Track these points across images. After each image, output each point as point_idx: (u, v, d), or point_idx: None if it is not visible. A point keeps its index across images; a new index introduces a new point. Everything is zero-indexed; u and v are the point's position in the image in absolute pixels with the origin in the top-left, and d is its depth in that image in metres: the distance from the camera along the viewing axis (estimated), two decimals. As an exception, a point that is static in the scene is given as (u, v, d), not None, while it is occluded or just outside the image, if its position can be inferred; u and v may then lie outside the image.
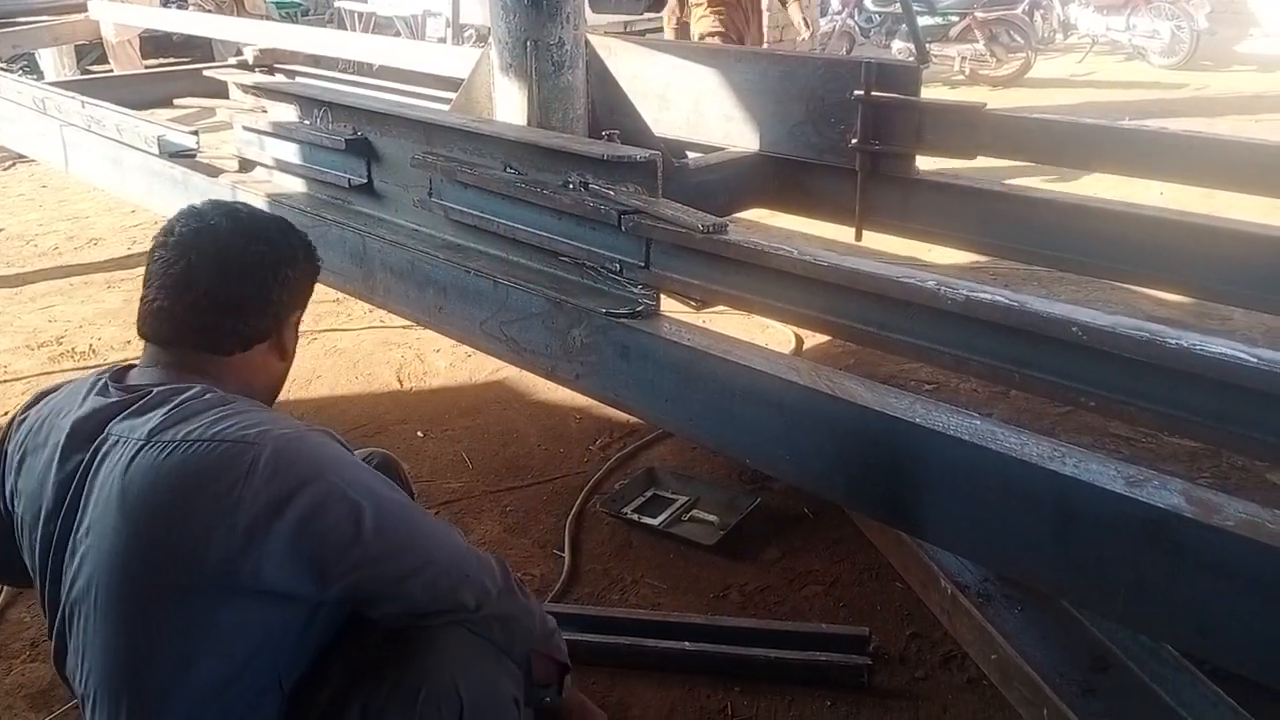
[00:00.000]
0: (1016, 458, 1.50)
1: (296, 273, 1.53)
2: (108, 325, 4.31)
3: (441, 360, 3.93)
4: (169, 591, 1.26)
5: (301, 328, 1.65)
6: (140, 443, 1.27)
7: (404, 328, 4.10)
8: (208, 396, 1.34)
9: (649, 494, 2.94)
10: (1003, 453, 1.52)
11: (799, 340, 3.92)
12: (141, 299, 1.47)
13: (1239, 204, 3.02)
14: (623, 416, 3.15)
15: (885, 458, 1.68)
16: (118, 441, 1.30)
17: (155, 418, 1.29)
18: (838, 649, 2.24)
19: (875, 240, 3.41)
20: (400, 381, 3.73)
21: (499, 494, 2.98)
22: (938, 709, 2.13)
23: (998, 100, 8.77)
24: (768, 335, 3.92)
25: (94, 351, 4.05)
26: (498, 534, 2.77)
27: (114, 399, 1.36)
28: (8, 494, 1.46)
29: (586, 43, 3.10)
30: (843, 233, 3.33)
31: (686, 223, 1.91)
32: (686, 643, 2.26)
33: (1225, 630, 1.32)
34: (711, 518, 2.79)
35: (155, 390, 1.35)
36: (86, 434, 1.33)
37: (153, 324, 1.45)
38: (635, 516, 2.81)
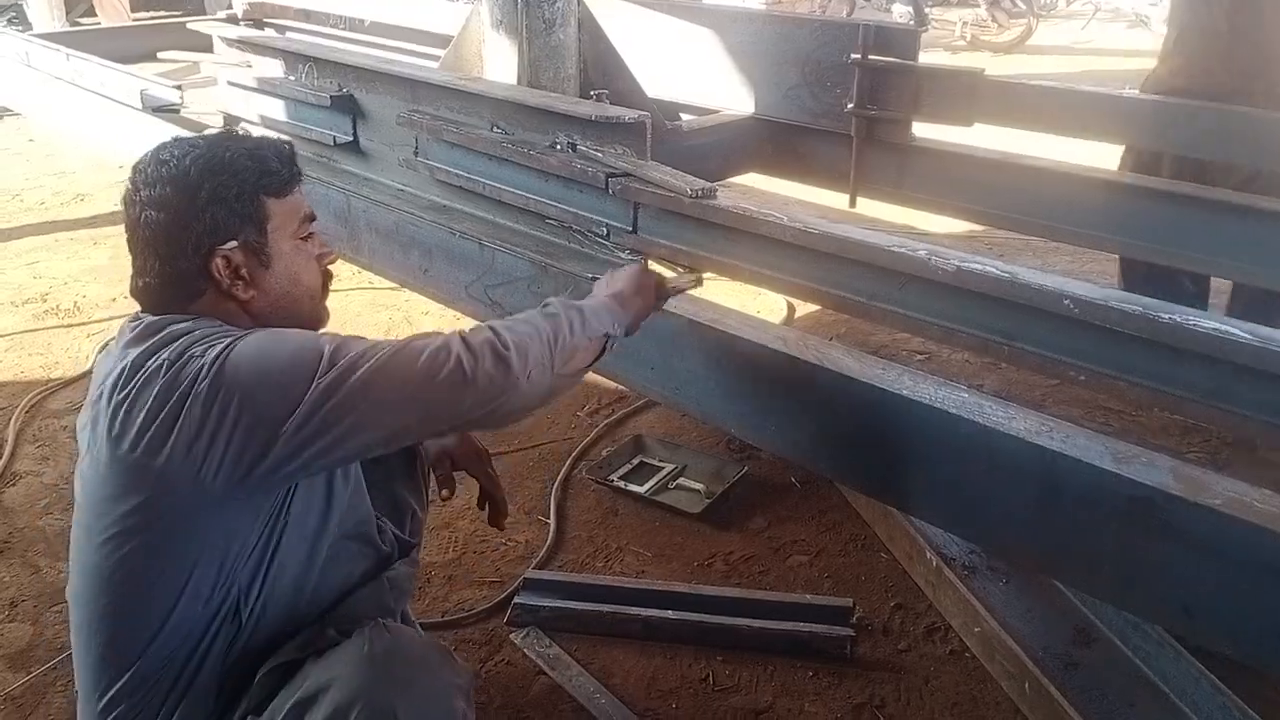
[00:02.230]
0: (1003, 431, 1.47)
1: (197, 201, 1.37)
2: (93, 282, 4.26)
3: (430, 323, 3.90)
4: (143, 502, 1.28)
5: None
6: (127, 367, 1.30)
7: (392, 289, 4.05)
8: (191, 323, 1.36)
9: (636, 461, 2.92)
10: (989, 426, 1.49)
11: (791, 308, 3.88)
12: None
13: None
14: (611, 383, 3.12)
15: (871, 430, 1.66)
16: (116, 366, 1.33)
17: (141, 344, 1.33)
18: (822, 620, 2.23)
19: (870, 207, 3.36)
20: (388, 343, 3.70)
21: (484, 459, 2.95)
22: (920, 681, 2.13)
23: (998, 67, 8.68)
24: (760, 303, 3.89)
25: (78, 309, 4.01)
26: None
27: (130, 332, 1.39)
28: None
29: (579, 0, 3.03)
30: (837, 199, 3.29)
31: (675, 187, 1.87)
32: (670, 611, 2.25)
33: (1211, 610, 1.31)
34: (698, 486, 2.78)
35: (151, 321, 1.38)
36: (106, 366, 1.38)
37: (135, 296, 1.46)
38: (621, 484, 2.79)
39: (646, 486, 2.77)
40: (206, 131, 1.47)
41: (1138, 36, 10.51)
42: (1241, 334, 1.24)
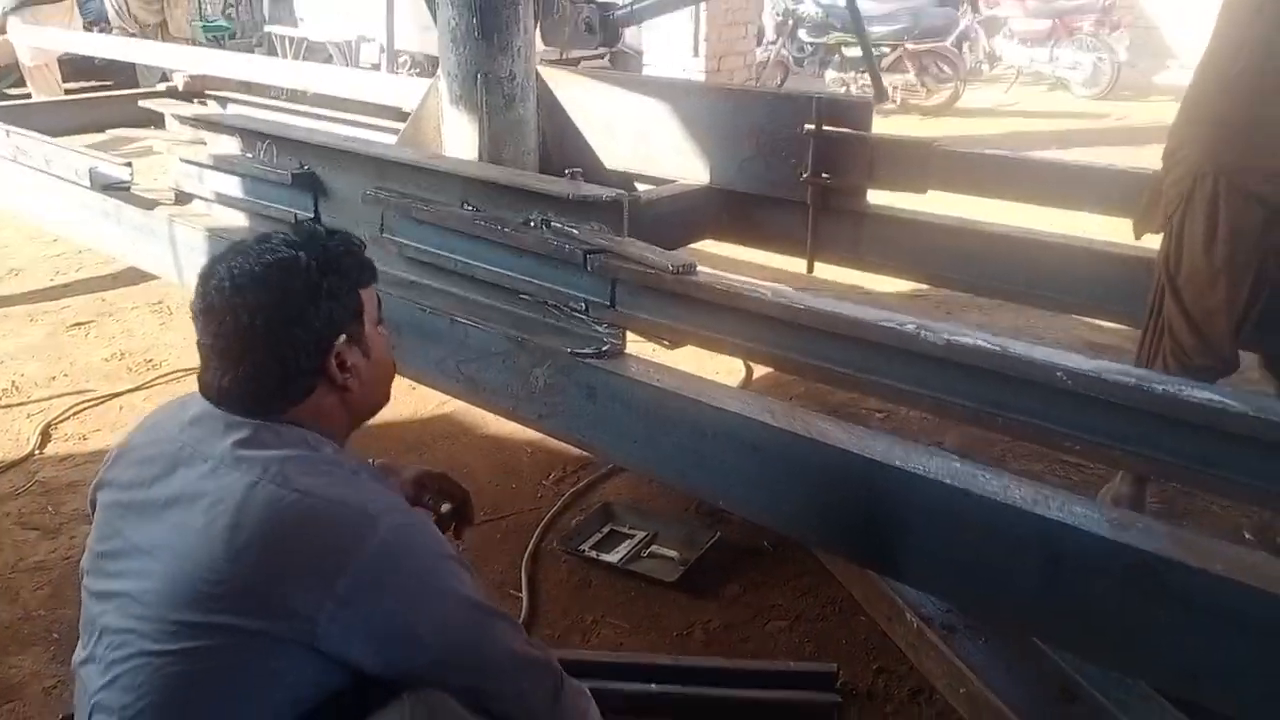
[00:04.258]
0: (1000, 501, 1.50)
1: (319, 297, 1.37)
2: (30, 360, 4.13)
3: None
4: (230, 622, 1.25)
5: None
6: (261, 472, 1.28)
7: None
8: (312, 445, 1.35)
9: (606, 530, 2.89)
10: (985, 496, 1.52)
11: (749, 370, 3.91)
12: None
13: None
14: (575, 450, 3.10)
15: (865, 501, 1.67)
16: (237, 461, 1.30)
17: (272, 454, 1.31)
18: (806, 686, 2.22)
19: (827, 272, 3.43)
20: (344, 417, 3.64)
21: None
22: (909, 746, 2.12)
23: (928, 129, 8.96)
24: (717, 363, 3.91)
25: (16, 388, 3.88)
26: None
27: (222, 417, 1.36)
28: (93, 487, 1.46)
29: (537, 75, 3.07)
30: (794, 264, 3.34)
31: (655, 263, 1.89)
32: (653, 685, 2.22)
33: (1216, 674, 1.33)
34: (671, 553, 2.76)
35: (259, 425, 1.35)
36: (199, 433, 1.36)
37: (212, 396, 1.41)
38: (593, 554, 2.76)
39: (619, 556, 2.75)
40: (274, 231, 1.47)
41: (1058, 98, 10.94)
42: (1233, 403, 1.28)
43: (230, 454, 1.31)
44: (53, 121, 4.72)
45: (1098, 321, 4.14)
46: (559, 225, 2.11)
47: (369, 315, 1.46)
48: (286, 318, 1.35)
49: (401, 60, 9.81)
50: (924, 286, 4.30)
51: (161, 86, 5.82)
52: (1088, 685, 2.11)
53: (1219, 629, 1.31)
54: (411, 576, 1.28)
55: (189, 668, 1.26)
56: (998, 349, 1.48)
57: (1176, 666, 1.38)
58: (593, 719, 1.55)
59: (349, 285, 1.42)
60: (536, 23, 3.25)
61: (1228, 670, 1.32)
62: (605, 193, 2.05)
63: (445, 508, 1.88)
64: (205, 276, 1.39)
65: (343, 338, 1.40)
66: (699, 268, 1.90)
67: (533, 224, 2.17)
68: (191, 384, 1.46)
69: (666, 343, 1.96)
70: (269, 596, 1.24)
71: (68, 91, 8.20)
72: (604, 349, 2.08)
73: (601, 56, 9.25)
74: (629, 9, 4.00)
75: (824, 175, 3.09)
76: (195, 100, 5.33)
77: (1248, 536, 2.81)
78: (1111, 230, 3.27)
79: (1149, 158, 2.90)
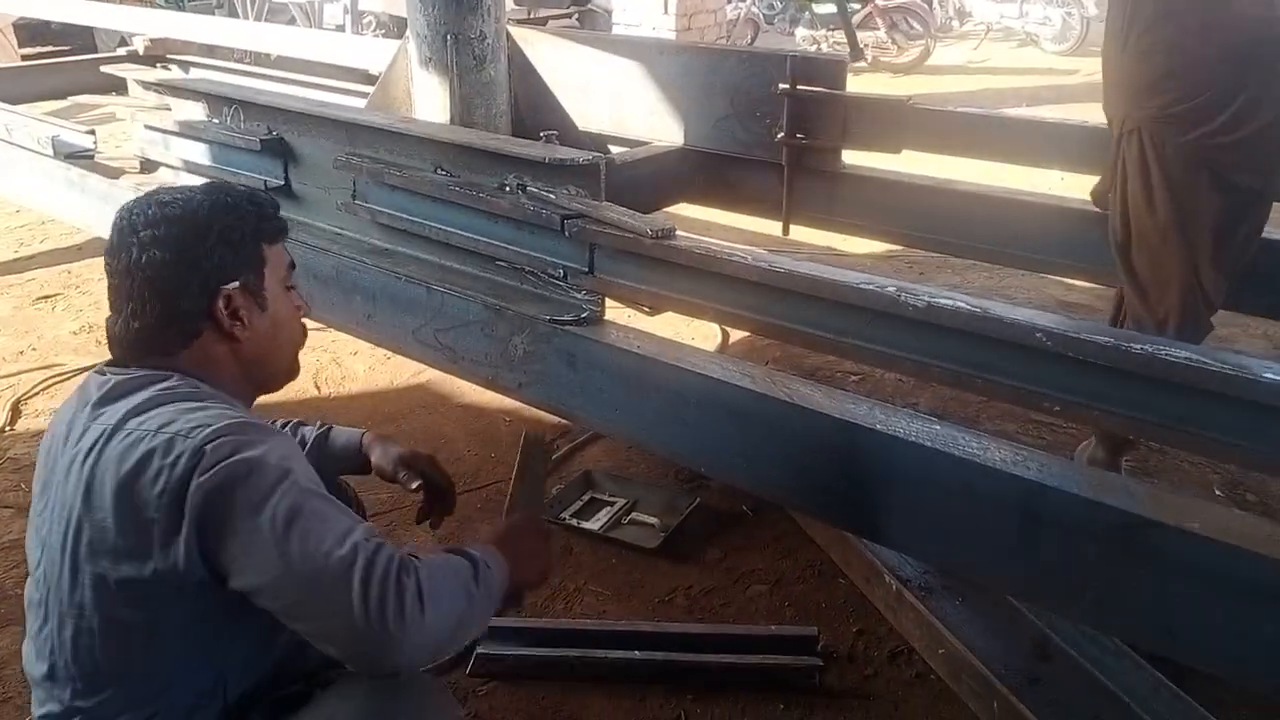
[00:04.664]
0: (979, 463, 1.50)
1: (208, 239, 1.39)
2: (-2, 334, 4.06)
3: (359, 364, 3.81)
4: (112, 578, 1.26)
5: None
6: (113, 423, 1.28)
7: (317, 329, 3.96)
8: (178, 389, 1.33)
9: (586, 497, 2.89)
10: (965, 458, 1.52)
11: (725, 334, 3.91)
12: None
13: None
14: (554, 418, 3.09)
15: (845, 465, 1.67)
16: (94, 417, 1.31)
17: (127, 404, 1.30)
18: (787, 650, 2.23)
19: (801, 234, 3.42)
20: (318, 387, 3.61)
21: (430, 503, 2.89)
22: (889, 706, 2.14)
23: (899, 87, 8.92)
24: (693, 329, 3.90)
25: (-19, 363, 3.81)
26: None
27: (103, 381, 1.36)
28: None
29: (508, 35, 3.02)
30: (769, 226, 3.33)
31: (634, 228, 1.87)
32: (636, 651, 2.23)
33: (1193, 631, 1.35)
34: (651, 520, 2.77)
35: (128, 377, 1.35)
36: (76, 413, 1.36)
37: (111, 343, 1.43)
38: (574, 522, 2.76)
39: (600, 523, 2.75)
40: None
41: (1028, 54, 10.94)
42: (1212, 362, 1.28)
43: (92, 412, 1.32)
44: (12, 89, 4.60)
45: (1070, 280, 4.18)
46: (535, 190, 2.09)
47: (273, 272, 1.47)
48: (175, 256, 1.37)
49: (366, 21, 9.66)
50: (897, 247, 4.30)
51: (122, 51, 5.69)
52: (1062, 643, 2.14)
53: (1197, 587, 1.32)
54: (241, 502, 1.22)
55: (90, 624, 1.27)
56: (978, 311, 1.48)
57: (1155, 624, 1.39)
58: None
59: (245, 233, 1.43)
60: (506, -18, 3.20)
61: (1205, 627, 1.34)
62: (582, 156, 2.02)
63: (416, 485, 1.82)
64: (114, 220, 1.42)
65: (235, 284, 1.40)
66: (678, 232, 1.88)
67: (508, 189, 2.14)
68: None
69: (646, 309, 1.94)
70: (127, 541, 1.24)
71: (24, 58, 8.00)
72: (583, 316, 2.06)
73: (570, 15, 9.15)
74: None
75: (798, 135, 3.07)
76: (158, 65, 5.21)
77: (1217, 493, 2.85)
78: (1084, 188, 3.29)
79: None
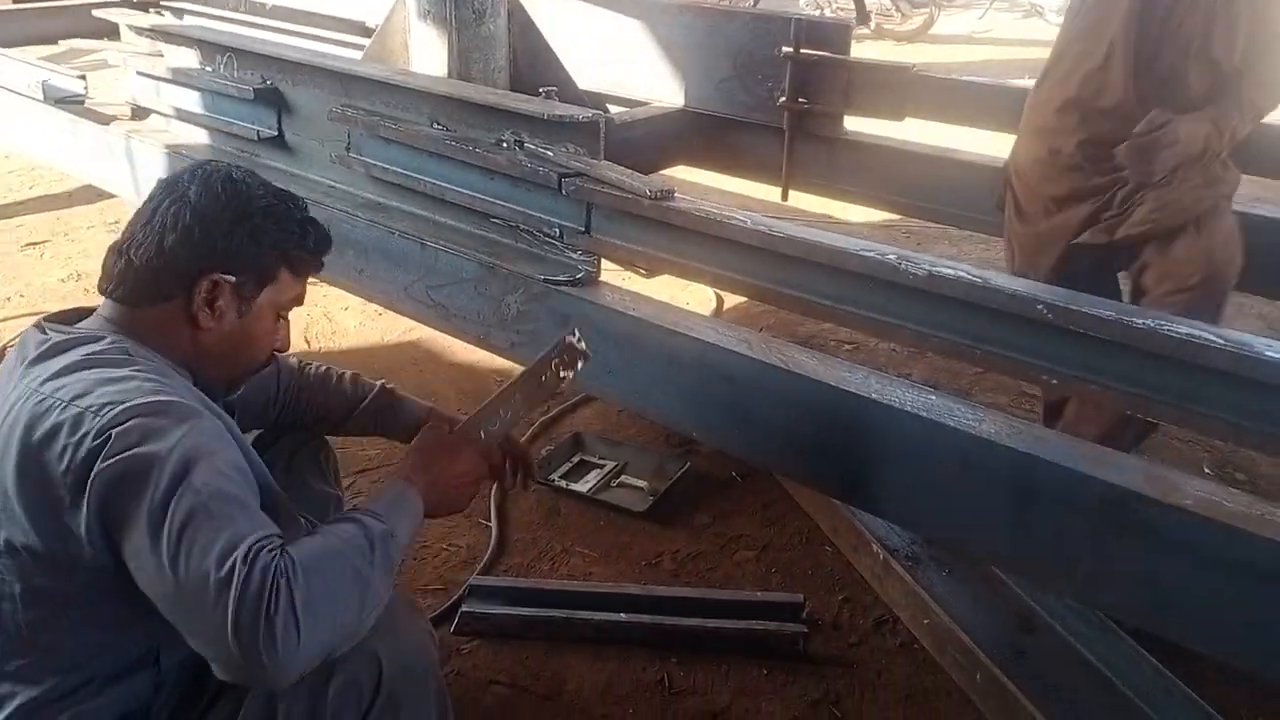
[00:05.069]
0: (974, 434, 1.49)
1: (235, 225, 1.37)
2: (-14, 279, 4.02)
3: (350, 319, 3.78)
4: (23, 548, 1.24)
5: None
6: (29, 389, 1.26)
7: (308, 284, 3.92)
8: (108, 353, 1.30)
9: (575, 460, 2.89)
10: (960, 429, 1.51)
11: (720, 299, 3.89)
12: None
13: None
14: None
15: (839, 433, 1.66)
16: (18, 380, 1.29)
17: (54, 366, 1.27)
18: (773, 616, 2.24)
19: (801, 200, 3.39)
20: (307, 342, 3.58)
21: (419, 460, 2.88)
22: (873, 674, 2.15)
23: (902, 56, 8.84)
24: (689, 294, 3.88)
25: (-29, 308, 3.78)
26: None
27: (41, 340, 1.34)
28: None
29: (509, -11, 2.97)
30: (768, 191, 3.30)
31: (633, 188, 1.84)
32: (622, 614, 2.23)
33: (1182, 607, 1.35)
34: (640, 483, 2.76)
35: (70, 337, 1.33)
36: (12, 369, 1.33)
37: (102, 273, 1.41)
38: (563, 483, 2.76)
39: (588, 485, 2.75)
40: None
41: (1032, 26, 10.84)
42: (1214, 338, 1.27)
43: (24, 370, 1.29)
44: (3, 32, 4.52)
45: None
46: (533, 147, 2.05)
47: (276, 293, 1.43)
48: (199, 221, 1.36)
49: (365, -27, 9.48)
50: (895, 216, 4.27)
51: (115, -3, 5.60)
52: (1047, 616, 2.15)
53: (1187, 564, 1.32)
54: (139, 502, 1.18)
55: (10, 590, 1.26)
56: (979, 281, 1.46)
57: (1144, 600, 1.39)
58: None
59: (275, 245, 1.40)
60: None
61: (1193, 604, 1.33)
62: (582, 113, 1.99)
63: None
64: (193, 163, 1.43)
65: (231, 278, 1.37)
66: (676, 194, 1.86)
67: (505, 145, 2.11)
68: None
69: (643, 271, 1.92)
70: (33, 513, 1.22)
71: (15, 1, 7.86)
72: (578, 276, 2.04)
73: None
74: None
75: (800, 100, 3.03)
76: (151, 10, 5.13)
77: (1207, 471, 2.85)
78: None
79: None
